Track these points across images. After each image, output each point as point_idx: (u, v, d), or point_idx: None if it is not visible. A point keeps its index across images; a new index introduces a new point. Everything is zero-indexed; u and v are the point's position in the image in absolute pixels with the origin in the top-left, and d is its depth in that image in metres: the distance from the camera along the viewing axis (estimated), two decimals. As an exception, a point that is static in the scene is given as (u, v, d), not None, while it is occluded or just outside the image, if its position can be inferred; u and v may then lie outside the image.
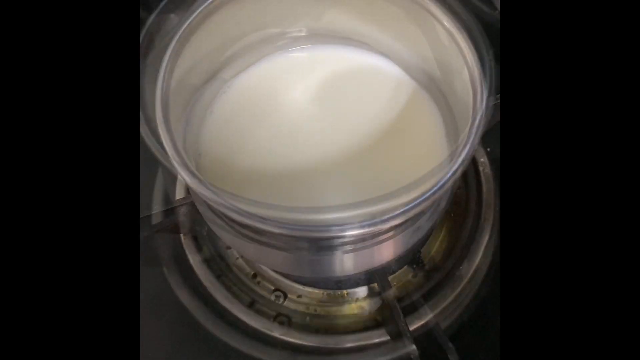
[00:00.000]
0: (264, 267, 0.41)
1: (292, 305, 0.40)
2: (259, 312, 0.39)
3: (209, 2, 0.33)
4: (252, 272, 0.41)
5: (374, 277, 0.39)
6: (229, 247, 0.42)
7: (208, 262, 0.41)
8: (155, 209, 0.39)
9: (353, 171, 0.36)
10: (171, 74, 0.31)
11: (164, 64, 0.30)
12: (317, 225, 0.28)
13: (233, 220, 0.30)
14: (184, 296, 0.41)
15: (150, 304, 0.40)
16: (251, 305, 0.40)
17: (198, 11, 0.32)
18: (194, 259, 0.41)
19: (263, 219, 0.27)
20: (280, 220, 0.28)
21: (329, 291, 0.41)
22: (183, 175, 0.28)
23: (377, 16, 0.37)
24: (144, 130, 0.26)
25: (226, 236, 0.34)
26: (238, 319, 0.39)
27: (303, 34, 0.38)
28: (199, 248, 0.41)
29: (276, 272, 0.41)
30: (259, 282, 0.41)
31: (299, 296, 0.41)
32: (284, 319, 0.40)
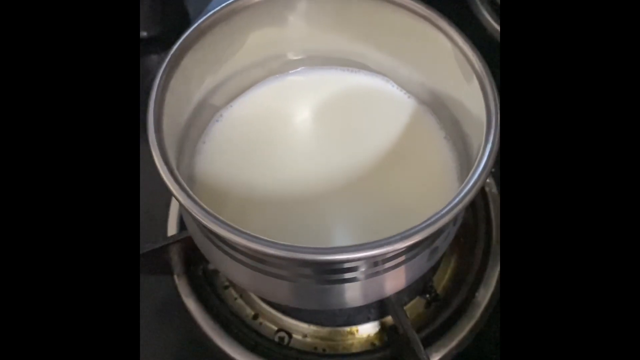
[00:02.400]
0: (265, 307, 0.38)
1: (298, 346, 0.37)
2: (263, 355, 0.36)
3: (197, 24, 0.31)
4: (253, 313, 0.38)
5: (387, 310, 0.36)
6: (227, 287, 0.39)
7: (205, 303, 0.38)
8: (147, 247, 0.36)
9: (355, 196, 0.34)
10: (163, 97, 0.29)
11: (155, 87, 0.29)
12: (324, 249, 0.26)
13: (234, 248, 0.28)
14: (181, 342, 0.38)
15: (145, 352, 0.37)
16: (254, 349, 0.37)
17: (186, 35, 0.31)
18: (190, 301, 0.38)
19: (269, 243, 0.25)
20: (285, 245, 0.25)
21: (336, 328, 0.38)
22: (184, 203, 0.26)
23: (375, 35, 0.36)
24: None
25: (224, 267, 0.32)
26: (240, 365, 0.36)
27: (298, 56, 0.37)
28: (194, 289, 0.38)
29: (279, 310, 0.38)
30: (260, 323, 0.38)
31: (305, 336, 0.38)
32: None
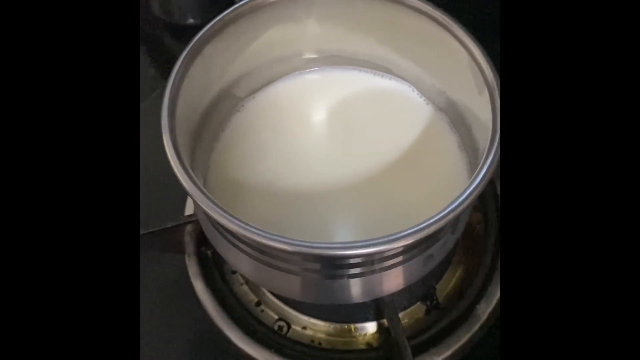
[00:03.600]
0: (268, 295, 0.39)
1: (296, 337, 0.38)
2: (261, 342, 0.37)
3: (220, 16, 0.32)
4: (256, 300, 0.40)
5: (383, 313, 0.37)
6: (234, 272, 0.40)
7: (211, 285, 0.39)
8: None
9: (363, 196, 0.35)
10: (181, 84, 0.30)
11: (173, 73, 0.30)
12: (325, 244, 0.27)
13: (239, 239, 0.29)
14: (184, 319, 0.39)
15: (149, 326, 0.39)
16: (253, 335, 0.38)
17: (209, 25, 0.32)
18: (197, 282, 0.39)
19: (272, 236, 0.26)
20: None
21: (335, 324, 0.38)
22: (191, 193, 0.27)
23: (397, 40, 0.36)
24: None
25: (230, 256, 0.33)
26: (238, 348, 0.37)
27: (320, 55, 0.38)
28: (202, 271, 0.40)
29: (281, 300, 0.39)
30: (262, 311, 0.39)
31: (304, 328, 0.39)
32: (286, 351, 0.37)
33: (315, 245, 0.27)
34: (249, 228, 0.26)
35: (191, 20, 0.60)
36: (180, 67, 0.30)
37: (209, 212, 0.27)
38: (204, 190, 0.27)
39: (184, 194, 0.42)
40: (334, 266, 0.30)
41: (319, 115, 0.38)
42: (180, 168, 0.28)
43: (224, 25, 0.32)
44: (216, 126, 0.37)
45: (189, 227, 0.38)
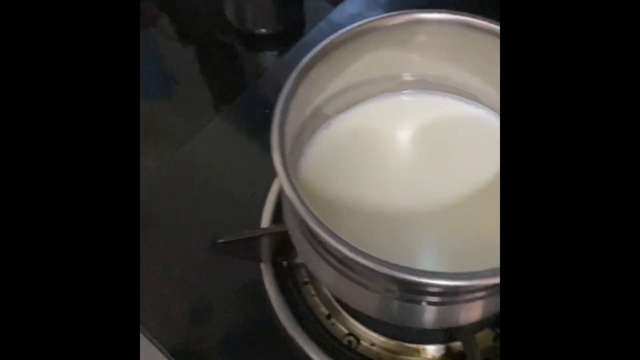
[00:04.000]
0: (339, 309, 0.40)
1: (365, 353, 0.39)
2: (331, 354, 0.38)
3: (329, 39, 0.33)
4: (327, 312, 0.41)
5: (456, 336, 0.37)
6: (306, 283, 0.42)
7: (285, 294, 0.40)
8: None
9: (446, 223, 0.35)
10: (289, 104, 0.31)
11: (283, 94, 0.31)
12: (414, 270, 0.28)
13: (328, 251, 0.30)
14: (256, 323, 0.40)
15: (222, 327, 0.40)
16: (323, 346, 0.39)
17: (318, 48, 0.33)
18: (271, 290, 0.40)
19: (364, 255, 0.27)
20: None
21: (404, 344, 0.39)
22: (299, 210, 0.28)
23: (488, 70, 0.36)
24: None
25: (314, 266, 0.34)
26: (309, 358, 0.38)
27: (412, 78, 0.38)
28: (277, 279, 0.41)
29: (352, 316, 0.40)
30: (333, 324, 0.40)
31: (372, 344, 0.39)
32: (354, 365, 0.38)
33: (403, 269, 0.28)
34: (339, 242, 0.28)
35: (262, 30, 0.61)
36: (289, 90, 0.31)
37: (312, 226, 0.28)
38: (307, 205, 0.29)
39: (260, 207, 0.44)
40: (416, 292, 0.31)
41: (406, 137, 0.38)
42: (289, 185, 0.29)
43: (331, 47, 0.33)
44: (303, 143, 0.38)
45: (266, 238, 0.40)
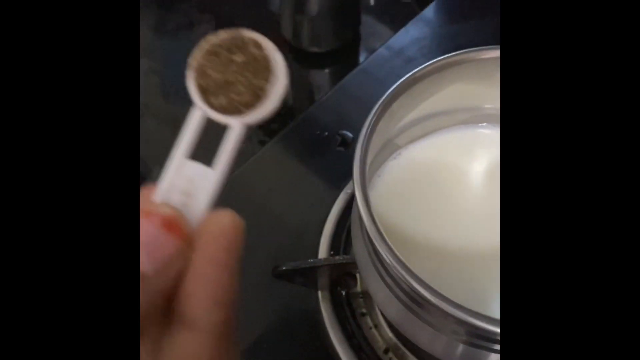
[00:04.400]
0: (397, 343, 0.39)
1: (421, 390, 0.38)
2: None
3: (412, 73, 0.33)
4: (385, 346, 0.39)
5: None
6: (364, 314, 0.41)
7: (341, 324, 0.40)
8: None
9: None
10: (371, 137, 0.30)
11: (365, 126, 0.30)
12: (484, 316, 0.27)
13: (399, 286, 0.30)
14: (311, 352, 0.40)
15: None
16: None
17: (401, 81, 0.32)
18: (328, 318, 0.40)
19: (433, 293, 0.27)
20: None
21: (463, 385, 0.38)
22: (377, 244, 0.27)
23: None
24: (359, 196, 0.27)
25: (381, 299, 0.33)
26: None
27: (491, 112, 0.37)
28: (334, 309, 0.40)
29: (413, 353, 0.39)
30: (390, 358, 0.39)
31: (430, 382, 0.38)
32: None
33: (475, 314, 0.27)
34: (411, 279, 0.27)
35: (316, 49, 0.61)
36: (371, 122, 0.30)
37: (390, 261, 0.28)
38: (387, 239, 0.28)
39: (317, 235, 0.43)
40: (483, 337, 0.30)
41: (479, 172, 0.37)
42: (370, 220, 0.28)
43: (414, 81, 0.32)
44: (373, 172, 0.37)
45: (327, 268, 0.39)
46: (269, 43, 0.22)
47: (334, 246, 0.42)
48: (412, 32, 0.57)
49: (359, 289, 0.40)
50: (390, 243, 0.28)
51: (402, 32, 0.57)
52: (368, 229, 0.28)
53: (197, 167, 0.22)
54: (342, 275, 0.40)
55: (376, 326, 0.40)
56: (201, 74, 0.22)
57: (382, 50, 0.56)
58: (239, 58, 0.22)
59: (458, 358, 0.33)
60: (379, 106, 0.31)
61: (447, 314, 0.28)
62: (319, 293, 0.40)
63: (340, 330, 0.39)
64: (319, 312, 0.40)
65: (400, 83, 0.31)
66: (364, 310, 0.41)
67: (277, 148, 0.50)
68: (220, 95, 0.21)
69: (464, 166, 0.37)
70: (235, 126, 0.22)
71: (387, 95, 0.31)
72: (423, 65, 0.32)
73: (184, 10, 0.69)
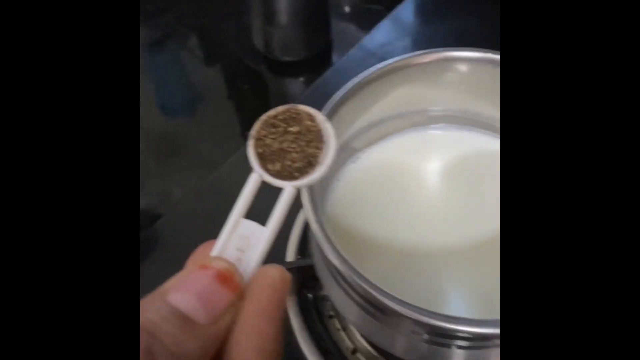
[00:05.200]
0: (365, 344, 0.40)
1: (390, 389, 0.38)
2: (355, 391, 0.38)
3: (359, 78, 0.33)
4: (353, 347, 0.40)
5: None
6: (331, 317, 0.41)
7: (309, 327, 0.40)
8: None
9: (474, 264, 0.35)
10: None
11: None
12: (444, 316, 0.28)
13: (356, 291, 0.30)
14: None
15: None
16: (348, 382, 0.38)
17: (348, 87, 0.33)
18: (295, 322, 0.40)
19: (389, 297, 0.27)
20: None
21: (430, 383, 0.38)
22: (326, 250, 0.28)
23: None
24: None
25: (341, 304, 0.34)
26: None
27: (441, 113, 0.38)
28: (302, 312, 0.41)
29: (378, 351, 0.39)
30: (357, 359, 0.40)
31: (398, 381, 0.39)
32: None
33: (431, 314, 0.27)
34: (367, 284, 0.28)
35: (288, 58, 0.62)
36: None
37: (339, 266, 0.28)
38: (335, 244, 0.29)
39: (285, 239, 0.44)
40: (444, 335, 0.30)
41: (434, 172, 0.38)
42: (316, 224, 0.29)
43: (361, 86, 0.33)
44: (331, 176, 0.38)
45: (294, 272, 0.40)
46: (321, 115, 0.25)
47: (302, 250, 0.43)
48: (383, 33, 0.58)
49: (325, 292, 0.41)
50: (337, 247, 0.29)
51: (373, 33, 0.59)
52: (315, 234, 0.29)
53: (252, 225, 0.24)
54: (308, 278, 0.40)
55: (344, 328, 0.41)
56: (260, 142, 0.24)
57: (354, 52, 0.57)
58: (294, 129, 0.24)
59: (421, 357, 0.34)
60: (325, 113, 0.31)
61: (402, 316, 0.28)
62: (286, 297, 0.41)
63: (308, 334, 0.40)
64: (286, 316, 0.41)
65: (346, 90, 0.32)
66: (331, 313, 0.41)
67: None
68: (276, 162, 0.24)
69: (419, 167, 0.38)
70: (288, 189, 0.24)
71: (333, 102, 0.32)
72: (367, 71, 0.33)
73: (162, 23, 0.70)
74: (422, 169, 0.38)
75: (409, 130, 0.39)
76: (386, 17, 0.60)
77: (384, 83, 0.34)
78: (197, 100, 0.64)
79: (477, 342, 0.30)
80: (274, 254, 0.43)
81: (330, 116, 0.32)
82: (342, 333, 0.41)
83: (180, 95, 0.65)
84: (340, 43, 0.65)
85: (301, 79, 0.65)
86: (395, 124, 0.39)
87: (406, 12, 0.62)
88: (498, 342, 0.30)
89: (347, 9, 0.71)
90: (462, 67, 0.34)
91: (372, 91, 0.34)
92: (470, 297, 0.34)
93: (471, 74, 0.35)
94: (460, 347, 0.30)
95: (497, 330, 0.27)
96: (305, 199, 0.29)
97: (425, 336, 0.31)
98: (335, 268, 0.29)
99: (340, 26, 0.67)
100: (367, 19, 0.66)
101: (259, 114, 0.63)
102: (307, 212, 0.29)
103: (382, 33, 0.59)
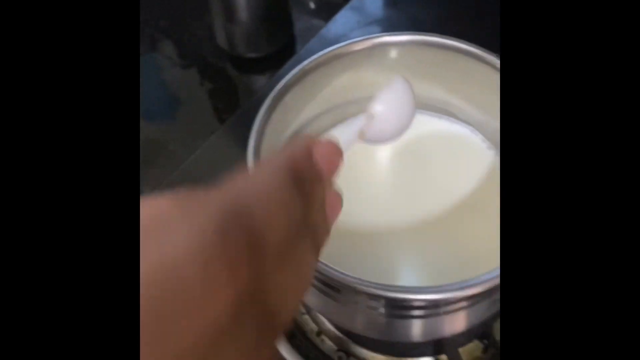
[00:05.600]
0: (329, 326, 0.41)
1: (355, 368, 0.40)
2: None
3: (301, 66, 0.34)
4: (317, 329, 0.41)
5: (442, 349, 0.38)
6: (296, 301, 0.42)
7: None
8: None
9: (425, 238, 0.36)
10: (264, 129, 0.32)
11: (258, 119, 0.32)
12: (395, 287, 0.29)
13: (315, 277, 0.31)
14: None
15: None
16: (313, 363, 0.39)
17: (291, 75, 0.34)
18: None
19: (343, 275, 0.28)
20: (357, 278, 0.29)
21: (393, 358, 0.40)
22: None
23: (461, 86, 0.37)
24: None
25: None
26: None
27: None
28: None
29: (341, 332, 0.40)
30: (322, 340, 0.41)
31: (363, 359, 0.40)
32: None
33: (385, 287, 0.29)
34: (321, 266, 0.28)
35: (253, 54, 0.63)
36: (263, 115, 0.32)
37: None
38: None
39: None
40: (399, 307, 0.31)
41: (385, 155, 0.39)
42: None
43: (304, 74, 0.34)
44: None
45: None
46: None
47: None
48: (342, 23, 0.60)
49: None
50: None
51: (332, 23, 0.60)
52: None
53: None
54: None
55: (308, 312, 0.42)
56: None
57: (315, 42, 0.58)
58: None
59: (381, 332, 0.35)
60: (269, 102, 0.33)
61: (358, 292, 0.29)
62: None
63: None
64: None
65: (288, 79, 0.33)
66: (296, 298, 0.42)
67: (215, 147, 0.53)
68: None
69: (369, 151, 0.39)
70: None
71: (276, 91, 0.33)
72: (307, 61, 0.34)
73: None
74: (371, 152, 0.39)
75: (359, 117, 0.40)
76: (344, 8, 0.62)
77: (326, 71, 0.35)
78: (164, 102, 0.65)
79: (430, 310, 0.31)
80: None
81: (275, 103, 0.33)
82: (307, 316, 0.42)
83: (152, 96, 0.66)
84: (307, 38, 0.66)
85: (268, 74, 0.66)
86: (345, 110, 0.40)
87: (363, 1, 0.63)
88: (449, 309, 0.31)
89: (312, 4, 0.72)
90: (400, 51, 0.36)
91: (315, 80, 0.35)
92: (423, 271, 0.35)
93: (411, 58, 0.36)
94: (416, 316, 0.32)
95: (446, 295, 0.28)
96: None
97: (382, 310, 0.32)
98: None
99: (306, 21, 0.68)
100: (333, 12, 0.67)
101: (227, 113, 0.63)
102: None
103: (341, 23, 0.60)
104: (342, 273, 0.29)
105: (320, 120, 0.39)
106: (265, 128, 0.32)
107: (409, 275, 0.35)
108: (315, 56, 0.34)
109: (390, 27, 0.59)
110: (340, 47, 0.34)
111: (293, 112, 0.36)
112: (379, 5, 0.64)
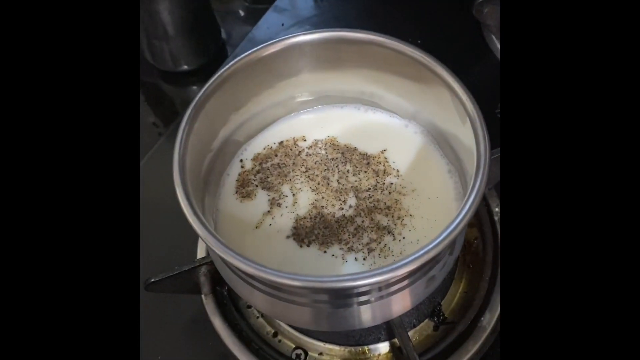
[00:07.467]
0: (284, 326, 0.41)
1: (314, 364, 0.40)
2: (281, 372, 0.39)
3: (218, 74, 0.35)
4: (273, 331, 0.42)
5: (394, 332, 0.39)
6: (249, 306, 0.43)
7: (229, 321, 0.41)
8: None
9: (359, 226, 0.37)
10: (188, 139, 0.32)
11: (180, 130, 0.32)
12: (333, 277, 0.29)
13: (252, 277, 0.31)
14: (206, 356, 0.41)
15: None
16: (272, 365, 0.40)
17: (212, 80, 0.34)
18: (215, 319, 0.41)
19: (281, 274, 0.28)
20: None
21: (350, 348, 0.40)
22: (204, 238, 0.29)
23: (383, 78, 0.39)
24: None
25: (246, 294, 0.35)
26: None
27: (312, 96, 0.40)
28: (219, 308, 0.42)
29: (297, 329, 0.41)
30: (279, 341, 0.41)
31: (320, 354, 0.41)
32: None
33: (323, 279, 0.29)
34: (261, 268, 0.29)
35: (185, 67, 0.62)
36: (185, 124, 0.32)
37: (222, 256, 0.29)
38: (217, 235, 0.30)
39: (195, 238, 0.45)
40: (343, 296, 0.32)
41: (315, 151, 0.40)
42: (194, 218, 0.30)
43: (222, 81, 0.34)
44: (221, 171, 0.39)
45: (203, 269, 0.41)
46: None
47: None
48: (268, 25, 0.60)
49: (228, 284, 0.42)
50: (218, 236, 0.29)
51: (258, 26, 0.61)
52: (194, 227, 0.30)
53: None
54: (220, 275, 0.42)
55: (262, 315, 0.42)
56: None
57: (244, 45, 0.59)
58: None
59: (331, 323, 0.36)
60: (190, 111, 0.33)
61: (299, 287, 0.30)
62: (202, 297, 0.42)
63: (228, 327, 0.41)
64: (205, 314, 0.42)
65: (206, 88, 0.34)
66: (248, 304, 0.43)
67: (154, 161, 0.52)
68: None
69: (297, 150, 0.40)
70: None
71: (195, 101, 0.33)
72: (226, 66, 0.34)
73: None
74: (302, 150, 0.40)
75: (284, 119, 0.41)
76: (269, 10, 0.63)
77: (245, 76, 0.35)
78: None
79: (373, 294, 0.32)
80: (184, 254, 0.44)
81: (196, 113, 0.33)
82: (262, 319, 0.42)
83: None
84: (236, 40, 0.66)
85: (197, 87, 0.65)
86: (271, 113, 0.40)
87: (285, 2, 0.64)
88: (392, 289, 0.32)
89: (241, 12, 0.72)
90: (311, 50, 0.36)
91: (235, 87, 0.35)
92: (359, 260, 0.36)
93: (320, 55, 0.37)
94: (361, 303, 0.32)
95: (382, 277, 0.29)
96: (180, 195, 0.30)
97: (326, 301, 0.33)
98: (221, 257, 0.30)
99: (238, 29, 0.68)
100: (259, 17, 0.67)
101: (166, 127, 0.62)
102: (182, 207, 0.30)
103: (266, 25, 0.61)
104: (280, 273, 0.29)
105: (247, 124, 0.40)
106: (189, 140, 0.32)
107: (353, 266, 0.36)
108: (231, 62, 0.34)
109: (314, 26, 0.60)
110: (255, 51, 0.35)
111: (219, 121, 0.36)
112: (305, 6, 0.65)
